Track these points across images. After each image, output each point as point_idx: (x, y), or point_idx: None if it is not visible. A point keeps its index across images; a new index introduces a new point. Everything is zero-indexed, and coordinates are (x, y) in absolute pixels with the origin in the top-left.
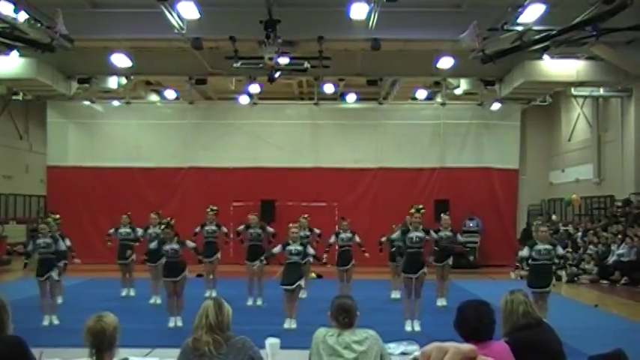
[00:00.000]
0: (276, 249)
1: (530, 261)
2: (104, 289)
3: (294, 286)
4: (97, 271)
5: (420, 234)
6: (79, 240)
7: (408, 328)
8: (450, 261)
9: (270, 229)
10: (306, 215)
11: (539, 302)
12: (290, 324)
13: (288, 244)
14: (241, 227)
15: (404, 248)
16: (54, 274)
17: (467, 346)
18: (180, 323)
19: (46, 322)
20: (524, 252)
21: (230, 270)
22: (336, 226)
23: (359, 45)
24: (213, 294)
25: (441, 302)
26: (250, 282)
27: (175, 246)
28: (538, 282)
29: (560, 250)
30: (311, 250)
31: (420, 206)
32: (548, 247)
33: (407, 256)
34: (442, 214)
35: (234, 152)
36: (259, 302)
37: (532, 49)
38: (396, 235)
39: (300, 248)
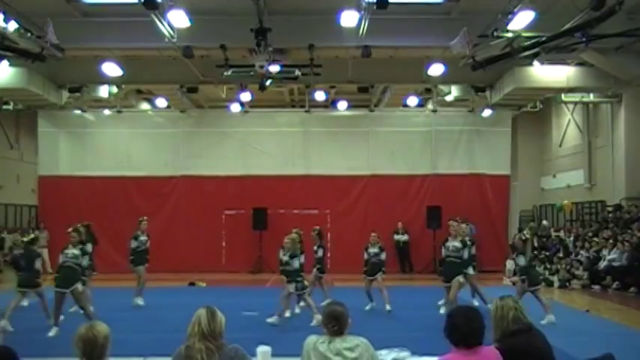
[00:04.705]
0: None
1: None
2: (96, 299)
3: None
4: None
5: (457, 243)
6: None
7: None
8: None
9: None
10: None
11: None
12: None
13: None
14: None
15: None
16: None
17: None
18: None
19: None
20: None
21: (223, 279)
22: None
23: (350, 52)
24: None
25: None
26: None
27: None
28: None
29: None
30: None
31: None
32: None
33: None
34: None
35: (225, 160)
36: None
37: (522, 55)
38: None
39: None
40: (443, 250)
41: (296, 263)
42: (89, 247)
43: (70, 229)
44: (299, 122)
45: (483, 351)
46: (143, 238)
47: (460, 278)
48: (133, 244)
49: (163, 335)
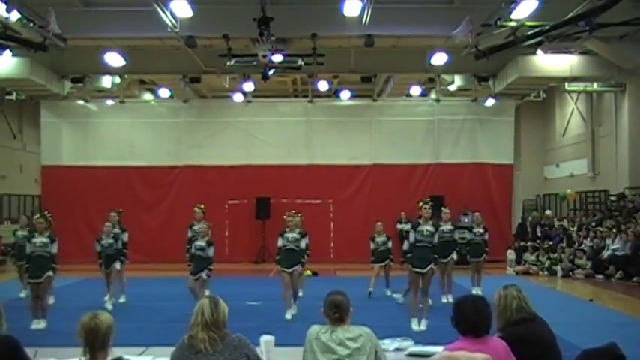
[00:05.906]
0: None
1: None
2: (98, 289)
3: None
4: (91, 270)
5: (430, 228)
6: (73, 239)
7: (415, 327)
8: (455, 256)
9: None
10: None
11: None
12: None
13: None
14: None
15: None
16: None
17: (481, 356)
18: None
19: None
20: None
21: (226, 268)
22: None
23: (352, 42)
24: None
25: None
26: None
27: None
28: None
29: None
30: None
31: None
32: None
33: (417, 250)
34: (442, 208)
35: (228, 150)
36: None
37: (525, 44)
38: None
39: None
40: (412, 235)
41: (211, 251)
42: (125, 235)
43: (36, 216)
44: (302, 112)
45: (491, 341)
46: (198, 227)
47: (433, 266)
48: (190, 233)
49: (166, 325)
